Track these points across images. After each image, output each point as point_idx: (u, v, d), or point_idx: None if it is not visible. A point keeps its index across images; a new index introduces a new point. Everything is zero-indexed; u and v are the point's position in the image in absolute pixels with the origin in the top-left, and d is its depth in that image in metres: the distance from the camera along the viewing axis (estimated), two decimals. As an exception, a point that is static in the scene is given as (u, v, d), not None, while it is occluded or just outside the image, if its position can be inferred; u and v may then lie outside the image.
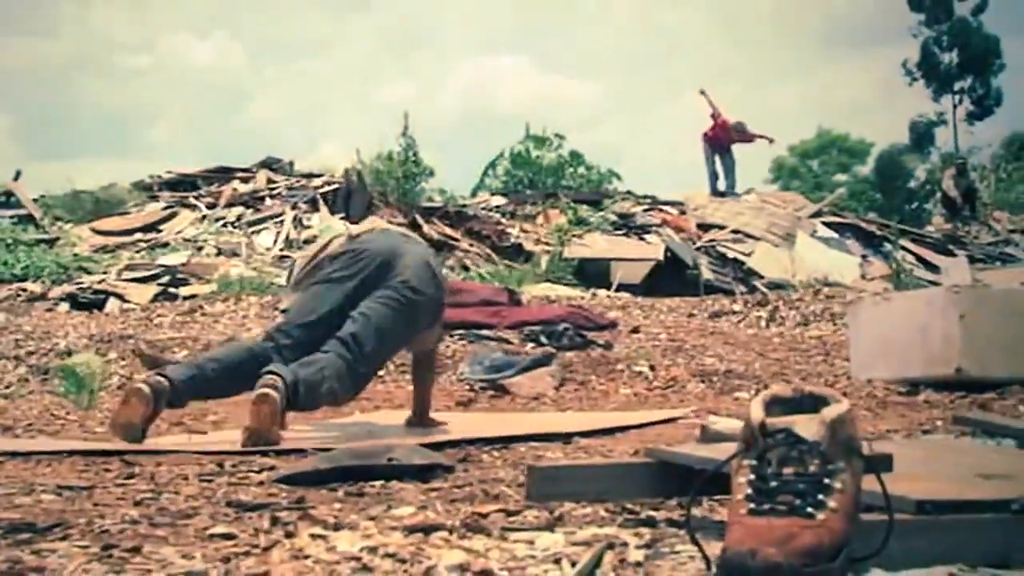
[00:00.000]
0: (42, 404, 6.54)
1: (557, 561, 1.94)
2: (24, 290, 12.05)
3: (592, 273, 14.94)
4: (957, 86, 43.40)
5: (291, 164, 16.76)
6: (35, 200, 15.84)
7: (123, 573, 1.86)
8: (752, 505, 1.70)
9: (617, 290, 14.09)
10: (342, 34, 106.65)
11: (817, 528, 1.65)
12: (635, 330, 9.19)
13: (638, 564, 1.91)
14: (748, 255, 16.04)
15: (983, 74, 43.10)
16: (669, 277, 14.79)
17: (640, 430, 4.70)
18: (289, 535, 2.19)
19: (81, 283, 12.26)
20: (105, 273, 12.74)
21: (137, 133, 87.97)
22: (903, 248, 16.21)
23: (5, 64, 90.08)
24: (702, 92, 18.74)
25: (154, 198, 15.84)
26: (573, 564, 1.92)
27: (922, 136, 41.97)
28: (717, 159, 18.70)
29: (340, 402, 4.57)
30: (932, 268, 15.84)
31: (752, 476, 1.73)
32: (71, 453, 3.81)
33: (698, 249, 16.04)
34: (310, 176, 16.16)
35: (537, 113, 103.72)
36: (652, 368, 7.50)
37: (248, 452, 3.77)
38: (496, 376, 6.87)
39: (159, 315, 10.09)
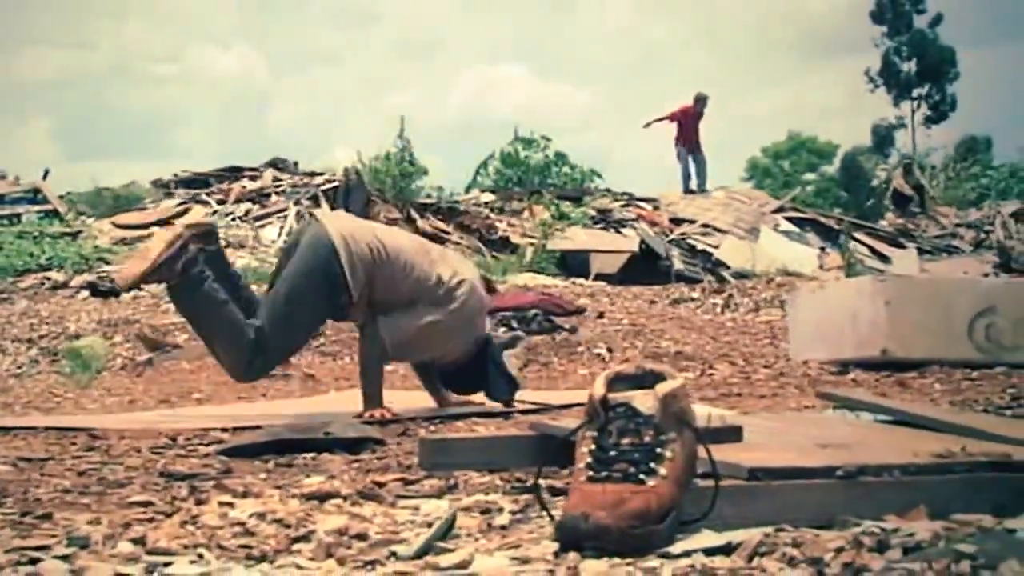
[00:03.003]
0: (46, 383, 6.54)
1: (431, 525, 1.93)
2: (48, 279, 12.06)
3: (573, 264, 14.93)
4: (915, 93, 43.38)
5: (296, 164, 16.76)
6: (61, 197, 15.84)
7: (28, 538, 1.84)
8: (591, 473, 1.70)
9: (595, 279, 14.08)
10: (355, 45, 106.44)
11: (646, 493, 1.64)
12: (600, 315, 9.16)
13: (503, 527, 1.90)
14: (716, 247, 16.04)
15: (939, 82, 43.07)
16: (643, 267, 14.79)
17: (581, 407, 4.67)
18: (199, 503, 2.18)
19: (101, 272, 12.27)
20: (123, 263, 12.74)
21: (165, 136, 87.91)
22: (858, 241, 16.19)
23: (48, 73, 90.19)
24: (647, 125, 18.56)
25: (170, 195, 15.85)
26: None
27: (883, 139, 41.90)
28: (690, 159, 18.62)
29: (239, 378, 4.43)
30: (884, 259, 15.82)
31: (593, 446, 1.72)
32: (47, 429, 3.80)
33: (670, 242, 16.03)
34: (313, 174, 16.15)
35: (533, 117, 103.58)
36: (610, 350, 7.49)
37: (208, 428, 3.75)
38: (465, 358, 6.85)
39: (166, 301, 10.06)
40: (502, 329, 8.32)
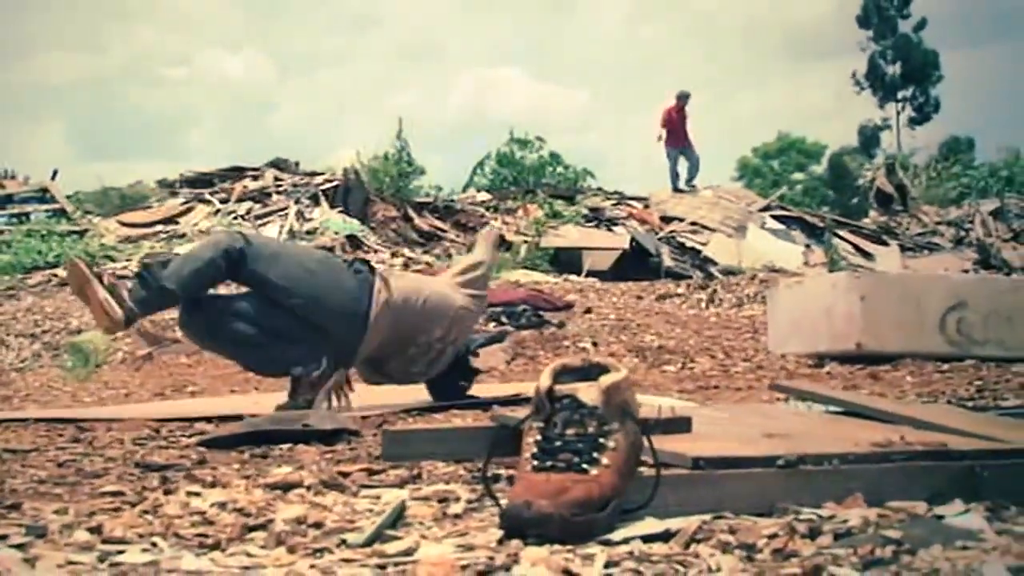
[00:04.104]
0: (47, 377, 6.54)
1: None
2: (55, 276, 12.05)
3: (566, 261, 14.93)
4: (900, 95, 43.43)
5: (296, 164, 16.73)
6: (69, 196, 15.83)
7: (-6, 528, 1.82)
8: (536, 462, 1.69)
9: (587, 276, 14.06)
10: (358, 48, 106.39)
11: (589, 482, 1.63)
12: (588, 310, 9.16)
13: (456, 516, 1.89)
14: (704, 244, 16.02)
15: (923, 84, 43.13)
16: (634, 264, 14.78)
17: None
18: (168, 493, 2.17)
19: (106, 270, 12.24)
20: (128, 261, 12.73)
21: (175, 137, 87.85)
22: (841, 238, 16.18)
23: (61, 77, 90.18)
24: (661, 138, 18.45)
25: (174, 194, 15.84)
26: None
27: (869, 139, 41.94)
28: (681, 159, 18.60)
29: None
30: (868, 256, 15.82)
31: (539, 437, 1.71)
32: (36, 420, 3.79)
33: (660, 239, 16.02)
34: (313, 174, 16.13)
35: (530, 118, 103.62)
36: (595, 344, 7.49)
37: (193, 419, 3.74)
38: (453, 352, 6.84)
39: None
40: (492, 324, 8.31)
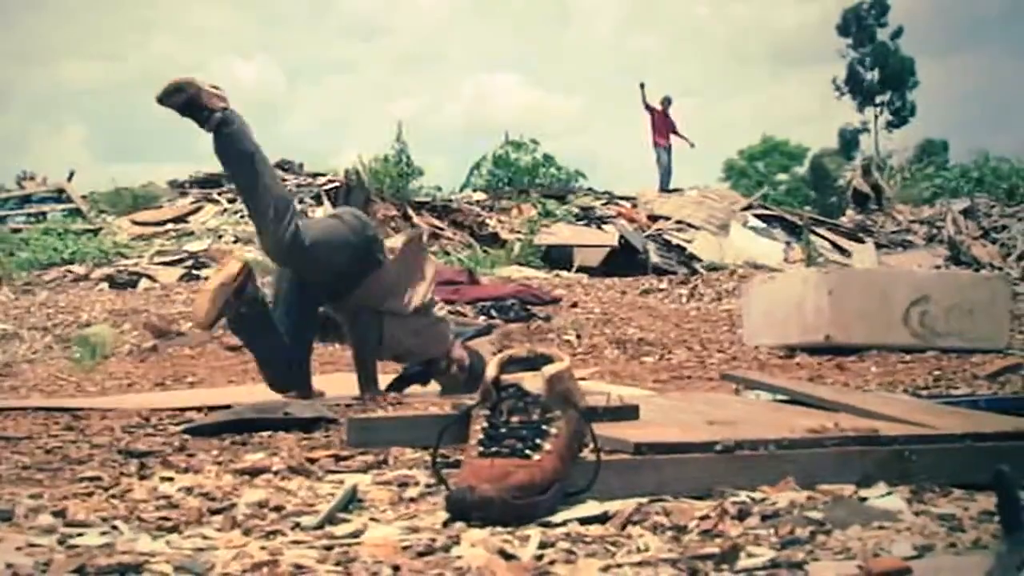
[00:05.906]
0: (55, 368, 6.50)
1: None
2: (71, 272, 12.04)
3: (557, 257, 14.91)
4: (878, 100, 43.49)
5: (301, 165, 16.69)
6: (84, 196, 15.81)
7: (-31, 512, 1.80)
8: (482, 448, 1.68)
9: (578, 272, 14.04)
10: (364, 55, 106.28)
11: (531, 467, 1.62)
12: (574, 305, 9.15)
13: (411, 500, 1.87)
14: (689, 242, 15.99)
15: (900, 89, 43.20)
16: (623, 261, 14.77)
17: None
18: (143, 478, 2.16)
19: (119, 266, 12.24)
20: (140, 257, 12.72)
21: (190, 141, 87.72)
22: (820, 236, 16.16)
23: (82, 83, 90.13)
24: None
25: (184, 194, 15.81)
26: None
27: (849, 142, 41.97)
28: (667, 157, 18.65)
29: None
30: (845, 252, 15.79)
31: (486, 424, 1.70)
32: (36, 409, 3.77)
33: (648, 237, 15.99)
34: (316, 175, 16.10)
35: (527, 121, 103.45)
36: (578, 337, 7.47)
37: (183, 408, 3.72)
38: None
39: (176, 293, 10.04)
40: (482, 317, 8.30)
